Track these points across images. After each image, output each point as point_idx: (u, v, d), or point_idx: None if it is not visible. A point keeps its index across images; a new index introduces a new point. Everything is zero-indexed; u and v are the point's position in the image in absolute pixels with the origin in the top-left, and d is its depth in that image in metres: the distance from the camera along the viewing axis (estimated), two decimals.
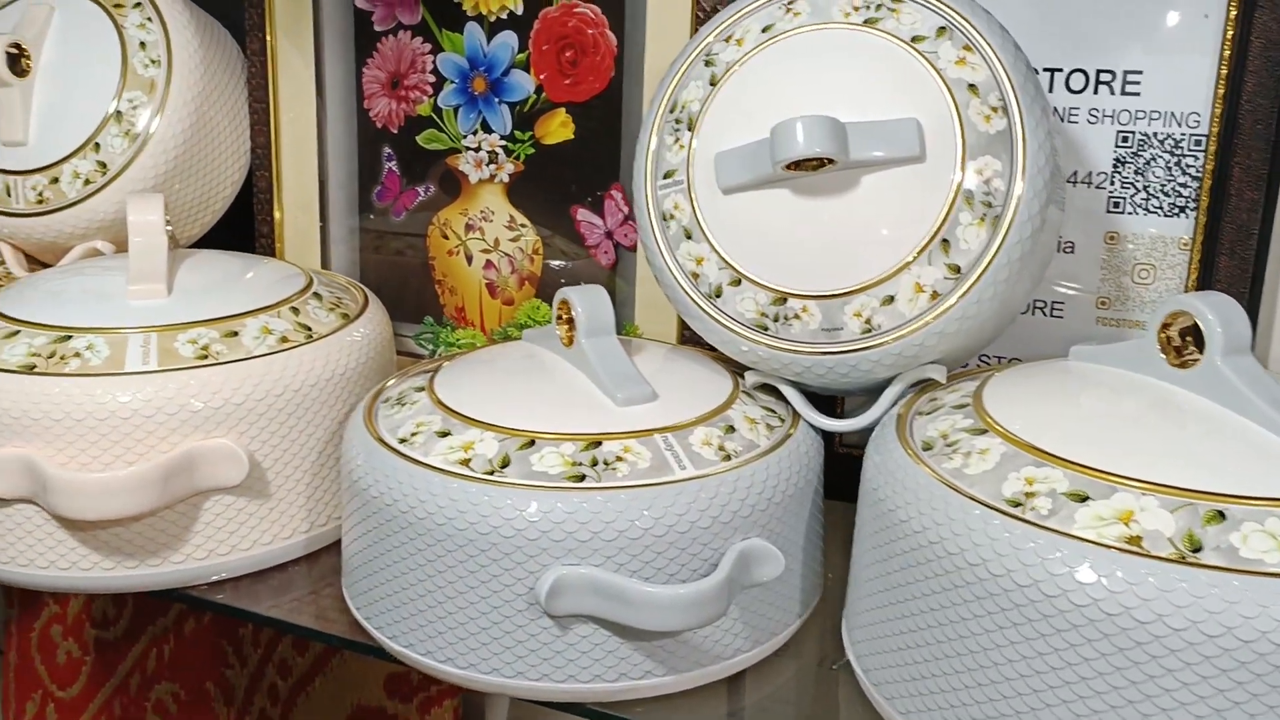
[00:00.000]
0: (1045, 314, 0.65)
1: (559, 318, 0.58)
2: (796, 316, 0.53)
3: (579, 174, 0.74)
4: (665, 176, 0.57)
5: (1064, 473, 0.43)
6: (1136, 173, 0.61)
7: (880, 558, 0.48)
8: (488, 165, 0.77)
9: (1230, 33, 0.58)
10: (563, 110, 0.74)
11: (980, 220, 0.50)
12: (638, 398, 0.54)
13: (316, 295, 0.68)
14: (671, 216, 0.56)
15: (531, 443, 0.51)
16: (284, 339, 0.62)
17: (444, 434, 0.53)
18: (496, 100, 0.75)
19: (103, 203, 0.74)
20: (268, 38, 0.79)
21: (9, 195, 0.75)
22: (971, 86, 0.51)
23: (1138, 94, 0.61)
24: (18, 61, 0.74)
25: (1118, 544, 0.40)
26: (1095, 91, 0.62)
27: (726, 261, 0.54)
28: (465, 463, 0.51)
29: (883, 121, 0.51)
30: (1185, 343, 0.48)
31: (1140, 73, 0.60)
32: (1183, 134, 0.60)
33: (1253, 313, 0.61)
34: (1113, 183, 0.62)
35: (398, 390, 0.59)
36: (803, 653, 0.56)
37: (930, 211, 0.51)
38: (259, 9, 0.79)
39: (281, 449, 0.61)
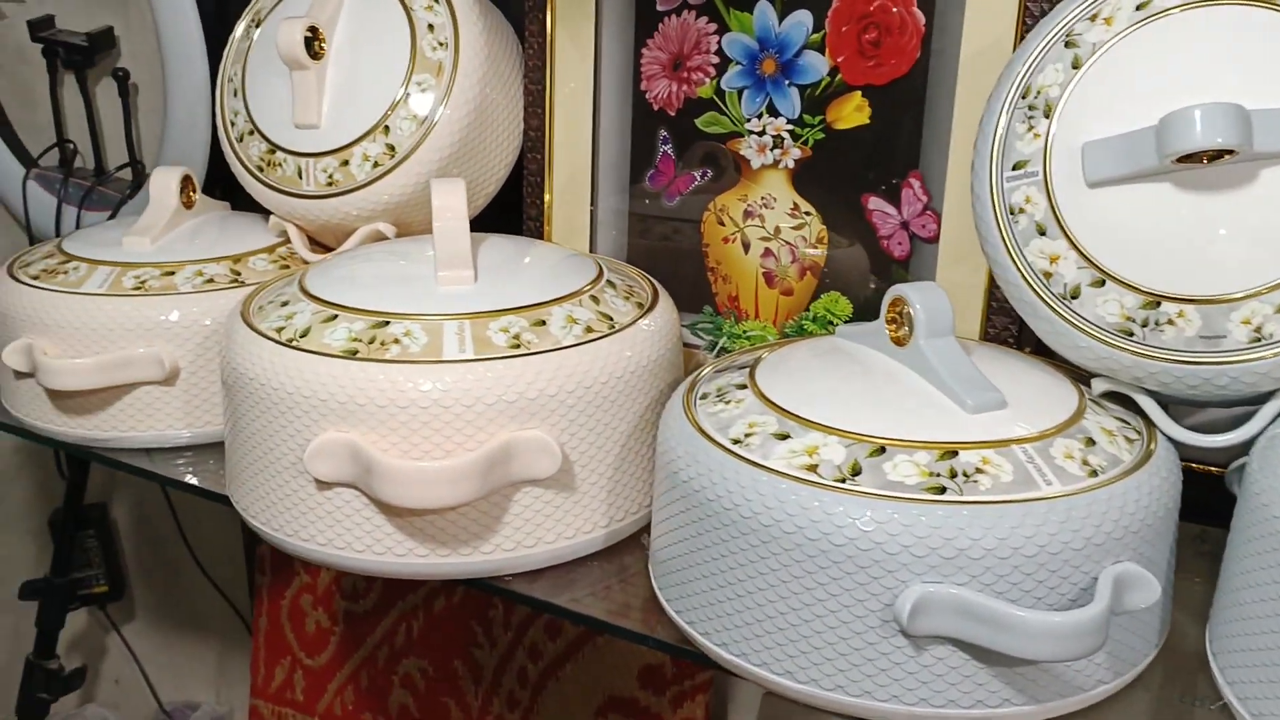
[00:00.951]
0: None
1: (891, 316, 0.55)
2: (1170, 322, 0.49)
3: (873, 161, 0.71)
4: (1015, 167, 0.53)
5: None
6: None
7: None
8: (772, 150, 0.74)
9: None
10: (858, 94, 0.70)
11: None
12: (989, 404, 0.50)
13: (610, 284, 0.67)
14: (1021, 210, 0.53)
15: (882, 449, 0.49)
16: (589, 329, 0.61)
17: (782, 436, 0.51)
18: (786, 83, 0.72)
19: (389, 186, 0.74)
20: (547, 20, 0.78)
21: (300, 178, 0.76)
22: None
23: None
24: (312, 44, 0.74)
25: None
26: None
27: (1089, 260, 0.50)
28: (811, 468, 0.48)
29: None
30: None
31: None
32: None
33: None
34: None
35: (714, 385, 0.57)
36: (1152, 684, 0.52)
37: None
38: None
39: (588, 442, 0.60)
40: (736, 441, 0.51)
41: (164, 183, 0.80)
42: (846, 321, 0.72)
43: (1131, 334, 0.50)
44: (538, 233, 0.82)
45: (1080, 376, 0.56)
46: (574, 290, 0.64)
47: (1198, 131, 0.45)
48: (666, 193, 0.79)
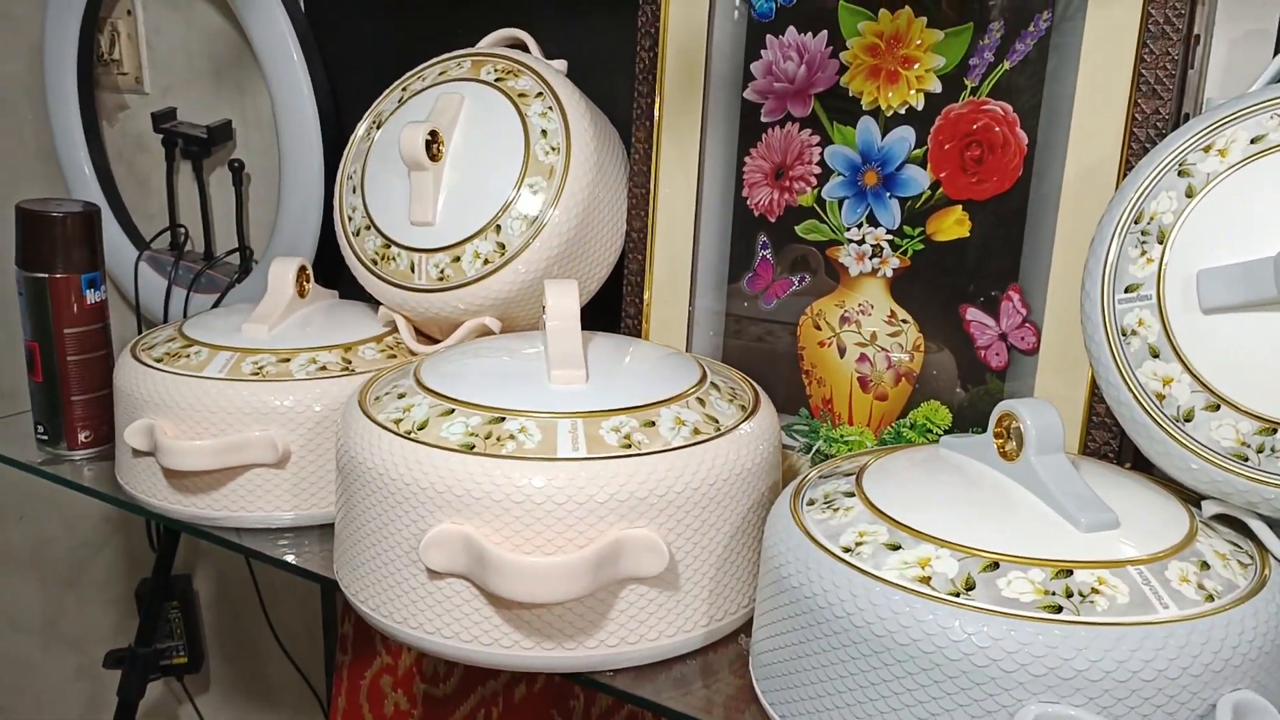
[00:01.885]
0: None
1: (1000, 431, 0.56)
2: None
3: (973, 272, 0.72)
4: (1127, 290, 0.54)
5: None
6: None
7: None
8: (871, 259, 0.76)
9: None
10: (959, 207, 0.72)
11: None
12: (1102, 524, 0.51)
13: (715, 385, 0.68)
14: (1133, 332, 0.54)
15: (995, 565, 0.49)
16: (696, 430, 0.63)
17: (894, 546, 0.52)
18: (887, 194, 0.74)
19: (498, 282, 0.77)
20: (654, 126, 0.81)
21: (413, 272, 0.79)
22: None
23: None
24: (431, 147, 0.78)
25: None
26: None
27: (1203, 384, 0.51)
28: (924, 580, 0.49)
29: None
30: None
31: None
32: None
33: None
34: None
35: (820, 491, 0.59)
36: None
37: None
38: (648, 99, 0.82)
39: (693, 542, 0.61)
40: (847, 550, 0.52)
41: (282, 272, 0.84)
42: (946, 431, 0.73)
43: (1246, 459, 0.50)
44: (636, 330, 0.85)
45: (1189, 497, 0.56)
46: (681, 392, 0.65)
47: None
48: (764, 296, 0.81)
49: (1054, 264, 0.69)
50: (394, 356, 0.81)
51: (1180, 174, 0.54)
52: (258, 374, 0.77)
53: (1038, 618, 0.47)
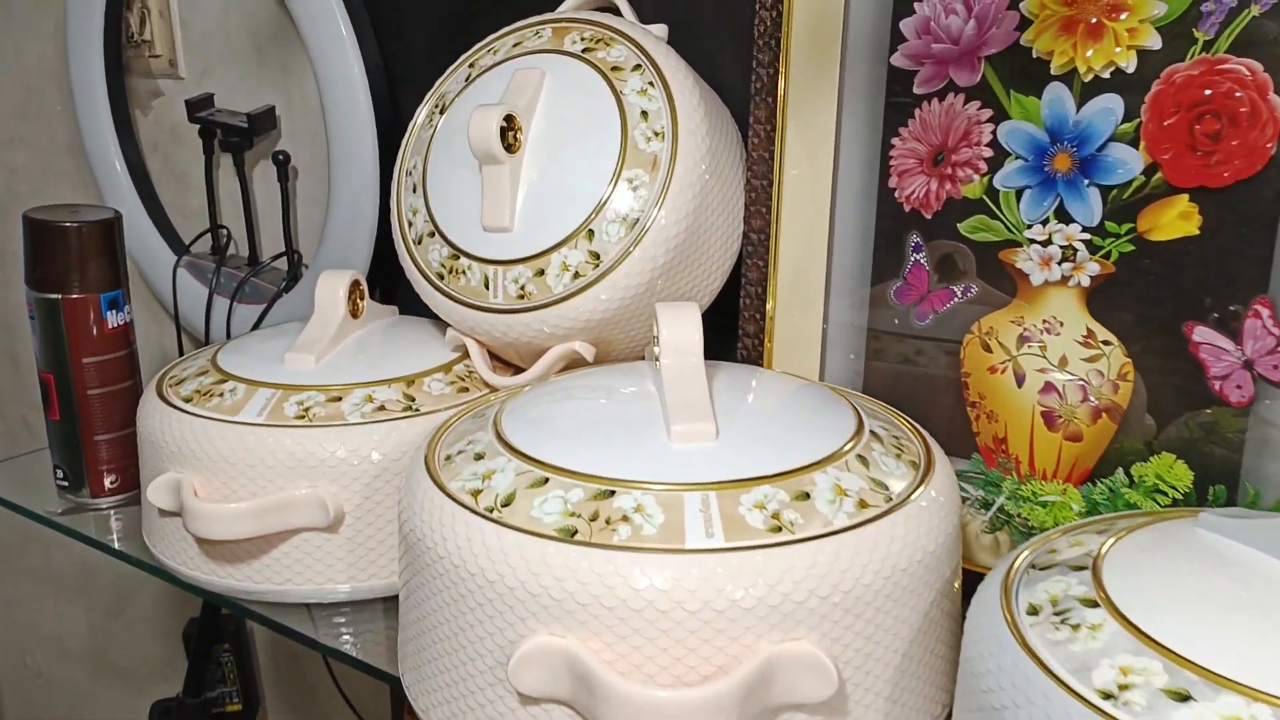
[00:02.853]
0: None
1: None
2: None
3: (1203, 281, 0.56)
4: None
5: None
6: None
7: None
8: (1060, 264, 0.60)
9: None
10: (1184, 198, 0.56)
11: None
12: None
13: (875, 436, 0.53)
14: None
15: None
16: (863, 503, 0.48)
17: (1179, 695, 0.36)
18: (1085, 182, 0.59)
19: (591, 301, 0.63)
20: (778, 103, 0.66)
21: (487, 288, 0.65)
22: None
23: None
24: (506, 135, 0.63)
25: None
26: None
27: None
28: None
29: None
30: None
31: None
32: None
33: None
34: None
35: (1043, 592, 0.43)
36: None
37: None
38: (770, 69, 0.66)
39: (864, 654, 0.46)
40: (1108, 696, 0.37)
41: (331, 290, 0.70)
42: (1186, 495, 0.57)
43: None
44: (756, 352, 0.70)
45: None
46: (837, 449, 0.51)
47: None
48: (917, 309, 0.65)
49: None
50: (465, 390, 0.67)
51: None
52: (303, 417, 0.63)
53: None
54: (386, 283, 0.89)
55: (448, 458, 0.53)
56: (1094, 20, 0.57)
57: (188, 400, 0.66)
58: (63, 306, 0.73)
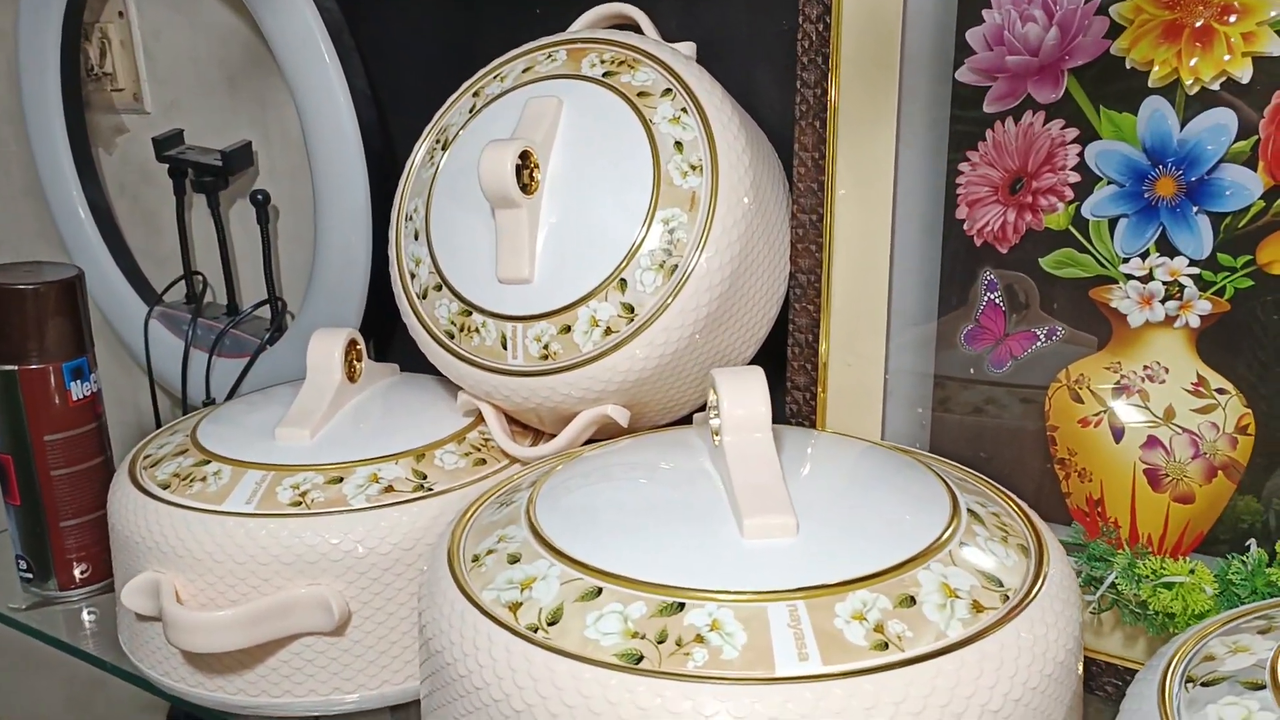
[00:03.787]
0: None
1: None
2: None
3: None
4: None
5: None
6: None
7: None
8: (1164, 302, 0.53)
9: None
10: None
11: None
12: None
13: (974, 514, 0.46)
14: None
15: None
16: (977, 605, 0.40)
17: None
18: (1194, 209, 0.51)
19: (624, 360, 0.55)
20: (828, 127, 0.59)
21: (504, 348, 0.57)
22: None
23: None
24: (522, 174, 0.56)
25: None
26: None
27: None
28: None
29: None
30: None
31: None
32: None
33: None
34: None
35: (1218, 718, 0.36)
36: None
37: None
38: (817, 90, 0.59)
39: None
40: None
41: (325, 353, 0.62)
42: None
43: None
44: (808, 408, 0.62)
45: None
46: (937, 537, 0.43)
47: None
48: (993, 356, 0.58)
49: None
50: (483, 461, 0.59)
51: None
52: (299, 503, 0.55)
53: None
54: (383, 333, 0.81)
55: (475, 559, 0.45)
56: (1203, 24, 0.49)
57: (165, 486, 0.57)
58: (20, 378, 0.65)
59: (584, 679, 0.38)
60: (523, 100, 0.59)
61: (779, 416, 0.56)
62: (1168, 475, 0.54)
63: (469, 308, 0.58)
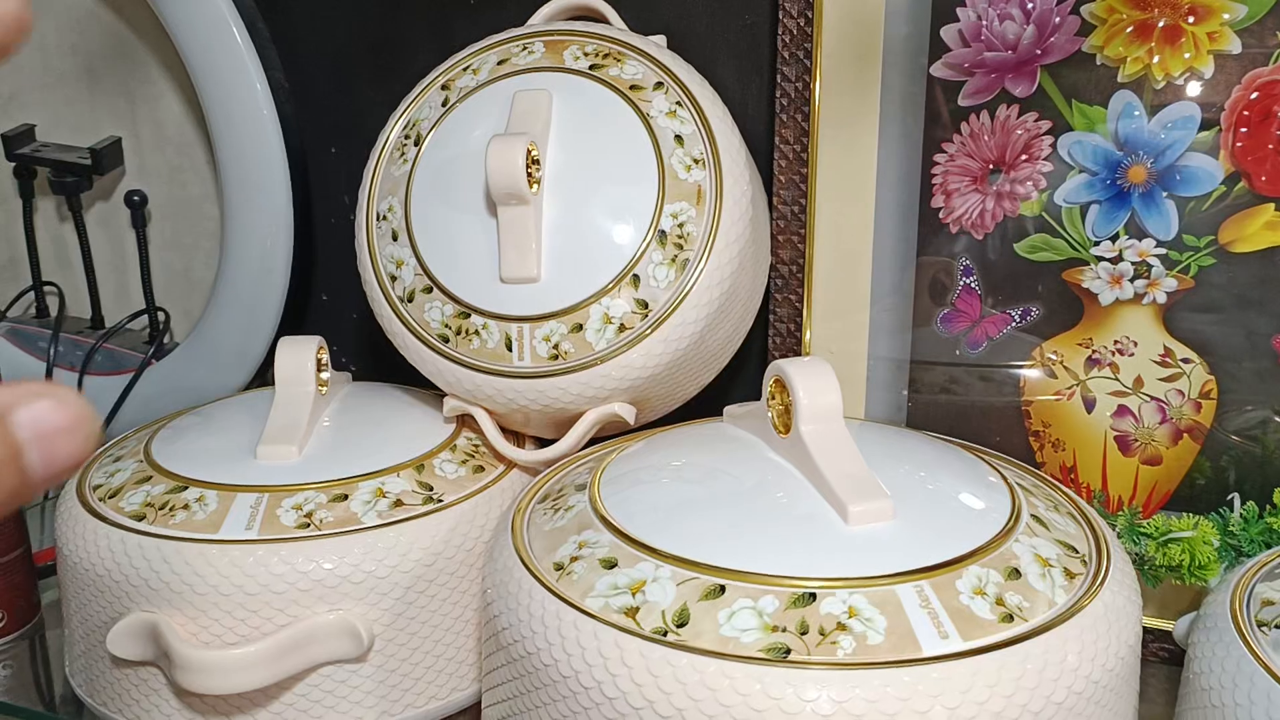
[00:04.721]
0: None
1: None
2: None
3: None
4: None
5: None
6: None
7: None
8: (1133, 281, 0.57)
9: None
10: (1270, 207, 0.54)
11: None
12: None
13: (1024, 489, 0.48)
14: None
15: None
16: (1068, 572, 0.43)
17: None
18: (1163, 194, 0.56)
19: (640, 355, 0.54)
20: (810, 119, 0.60)
21: (509, 349, 0.55)
22: None
23: None
24: (528, 170, 0.54)
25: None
26: None
27: None
28: None
29: None
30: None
31: None
32: None
33: None
34: None
35: None
36: None
37: None
38: (799, 83, 0.60)
39: None
40: None
41: (297, 364, 0.58)
42: None
43: None
44: None
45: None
46: (1011, 510, 0.45)
47: None
48: (969, 338, 0.61)
49: None
50: (481, 469, 0.57)
51: None
52: (307, 524, 0.51)
53: None
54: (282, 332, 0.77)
55: (558, 566, 0.44)
56: (1172, 24, 0.54)
57: (140, 517, 0.52)
58: None
59: (737, 678, 0.37)
60: (505, 93, 0.57)
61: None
62: (1137, 440, 0.59)
63: (466, 309, 0.56)
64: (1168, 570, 0.53)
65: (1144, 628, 0.44)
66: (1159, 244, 0.57)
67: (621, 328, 0.54)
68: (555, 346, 0.55)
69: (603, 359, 0.54)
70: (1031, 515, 0.45)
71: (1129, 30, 0.55)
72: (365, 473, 0.54)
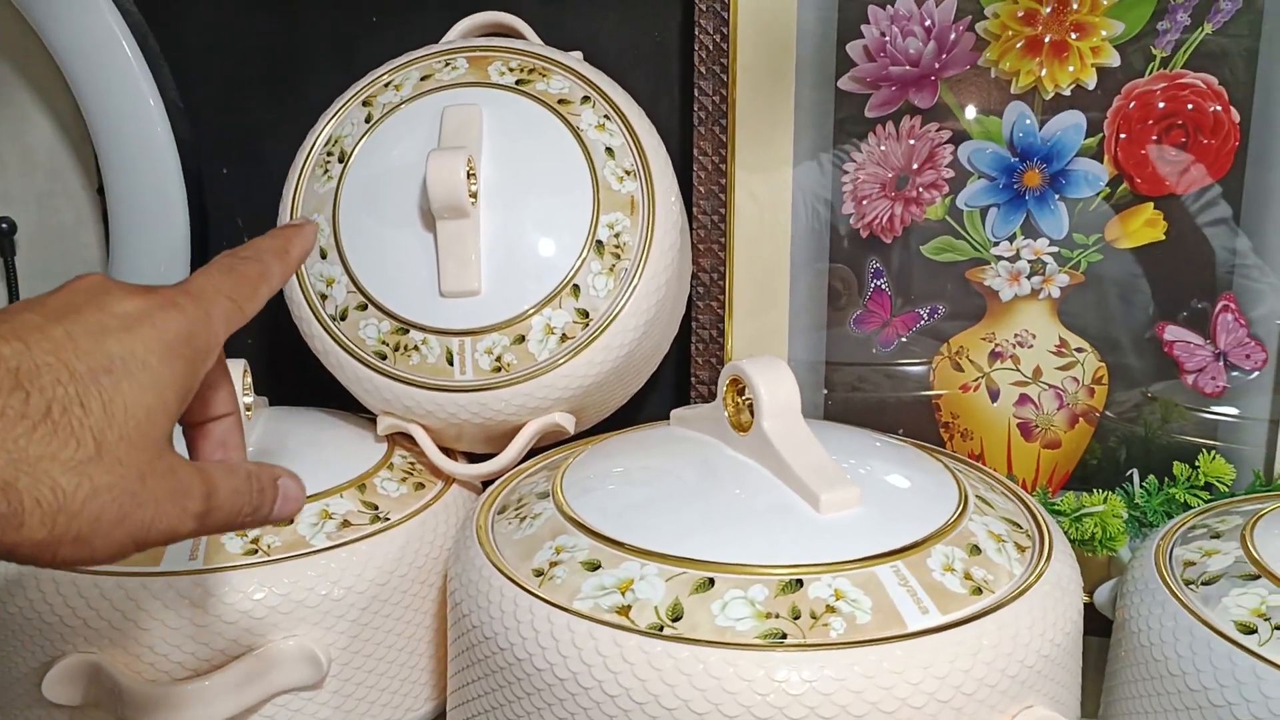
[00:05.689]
0: None
1: None
2: None
3: (1171, 283, 0.60)
4: None
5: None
6: None
7: None
8: (1029, 278, 0.62)
9: None
10: (1150, 206, 0.60)
11: None
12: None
13: (964, 473, 0.51)
14: None
15: None
16: (1019, 546, 0.46)
17: None
18: (1055, 197, 0.60)
19: (582, 365, 0.55)
20: (728, 132, 0.62)
21: (450, 364, 0.55)
22: None
23: None
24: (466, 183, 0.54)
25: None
26: None
27: None
28: None
29: None
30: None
31: None
32: None
33: None
34: None
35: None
36: None
37: None
38: (716, 96, 0.62)
39: (1062, 704, 0.44)
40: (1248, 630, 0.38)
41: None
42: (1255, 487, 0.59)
43: None
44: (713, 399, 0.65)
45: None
46: (961, 493, 0.48)
47: None
48: (881, 337, 0.64)
49: None
50: (421, 486, 0.57)
51: None
52: (254, 550, 0.50)
53: None
54: None
55: (538, 572, 0.44)
56: (1059, 39, 0.59)
57: None
58: None
59: (741, 664, 0.39)
60: (432, 109, 0.57)
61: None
62: (1038, 426, 0.63)
63: (405, 325, 0.55)
64: (1080, 544, 0.57)
65: None
66: (1052, 243, 0.61)
67: (564, 337, 0.55)
68: (498, 359, 0.55)
69: (546, 369, 0.55)
70: (977, 496, 0.48)
71: (1020, 45, 0.59)
72: (308, 494, 0.53)
